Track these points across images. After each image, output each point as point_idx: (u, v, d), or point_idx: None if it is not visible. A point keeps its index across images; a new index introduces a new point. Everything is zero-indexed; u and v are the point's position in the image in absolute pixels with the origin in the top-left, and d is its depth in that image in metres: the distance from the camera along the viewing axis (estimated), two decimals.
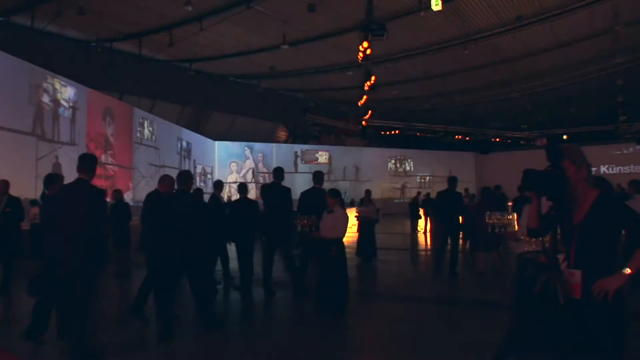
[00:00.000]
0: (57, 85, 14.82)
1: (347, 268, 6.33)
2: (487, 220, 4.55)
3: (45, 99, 14.21)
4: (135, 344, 5.00)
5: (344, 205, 6.40)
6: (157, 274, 5.47)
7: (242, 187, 7.97)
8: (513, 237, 4.25)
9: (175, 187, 5.70)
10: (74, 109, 15.61)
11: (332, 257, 6.02)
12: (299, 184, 27.87)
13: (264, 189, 7.84)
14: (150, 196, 5.83)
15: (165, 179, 5.86)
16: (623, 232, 2.57)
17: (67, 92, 15.28)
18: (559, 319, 2.58)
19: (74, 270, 4.22)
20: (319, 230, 6.17)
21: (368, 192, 12.00)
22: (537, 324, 3.90)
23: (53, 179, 5.37)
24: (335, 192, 6.33)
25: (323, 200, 6.59)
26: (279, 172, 7.54)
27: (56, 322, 4.88)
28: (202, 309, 5.42)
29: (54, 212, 4.55)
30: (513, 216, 4.36)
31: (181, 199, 5.54)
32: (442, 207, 9.31)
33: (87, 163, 4.47)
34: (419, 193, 20.88)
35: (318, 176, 7.48)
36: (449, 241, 8.86)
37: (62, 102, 15.07)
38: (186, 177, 5.66)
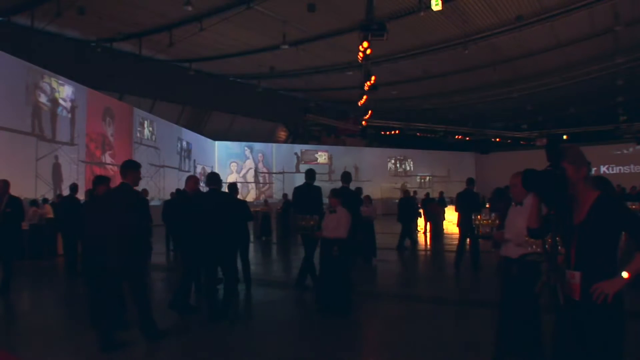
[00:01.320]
0: (55, 85, 14.82)
1: (349, 268, 6.31)
2: (473, 222, 4.54)
3: (43, 99, 14.21)
4: (137, 341, 5.00)
5: (358, 204, 6.43)
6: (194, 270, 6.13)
7: (232, 187, 8.10)
8: (500, 238, 4.24)
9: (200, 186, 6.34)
10: (72, 108, 15.62)
11: (334, 257, 6.01)
12: (299, 183, 27.84)
13: (297, 190, 8.09)
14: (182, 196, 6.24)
15: (191, 179, 6.37)
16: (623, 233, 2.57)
17: (64, 91, 15.28)
18: (558, 320, 2.58)
19: (122, 263, 4.70)
20: (321, 229, 6.17)
21: (367, 197, 12.18)
22: (527, 324, 3.94)
23: (102, 180, 5.73)
24: (337, 192, 6.33)
25: (352, 198, 7.39)
26: (311, 173, 7.88)
27: (90, 312, 5.20)
28: (227, 302, 5.78)
29: (97, 213, 5.10)
30: (496, 217, 4.33)
31: (215, 197, 5.96)
32: (461, 207, 9.55)
33: (128, 169, 4.93)
34: (415, 192, 20.83)
35: (346, 176, 7.98)
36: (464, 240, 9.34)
37: (60, 101, 15.07)
38: (217, 177, 6.11)
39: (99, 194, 5.59)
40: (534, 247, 3.93)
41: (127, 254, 4.68)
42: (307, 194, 7.69)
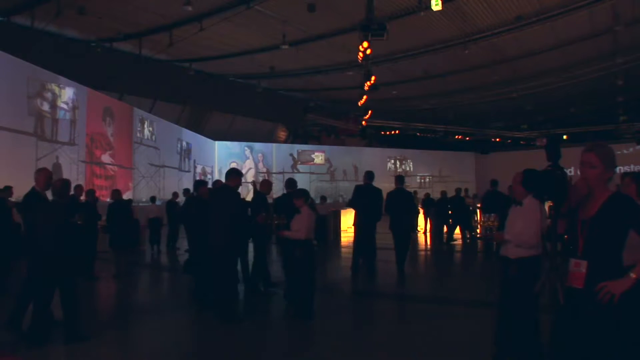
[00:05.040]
0: (56, 90, 14.82)
1: (314, 271, 6.02)
2: (473, 223, 4.53)
3: (45, 106, 14.24)
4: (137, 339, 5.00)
5: (314, 207, 6.33)
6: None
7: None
8: (499, 238, 4.24)
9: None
10: (73, 108, 15.62)
11: (297, 259, 5.81)
12: (298, 184, 27.86)
13: (358, 189, 8.81)
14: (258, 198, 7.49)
15: (268, 182, 7.80)
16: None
17: (66, 94, 15.27)
18: (558, 317, 2.58)
19: (222, 251, 5.77)
20: (289, 230, 5.92)
21: None
22: (525, 324, 3.96)
23: (203, 183, 6.91)
24: (300, 192, 6.08)
25: (407, 200, 8.73)
26: (371, 175, 8.67)
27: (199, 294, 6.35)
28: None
29: (207, 210, 6.26)
30: (495, 217, 4.33)
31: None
32: (488, 207, 9.76)
33: (231, 175, 6.22)
34: (415, 192, 20.80)
35: (400, 179, 9.01)
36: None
37: (62, 105, 15.07)
38: (294, 182, 7.36)
39: (201, 195, 6.81)
40: (531, 248, 3.96)
41: (229, 239, 5.80)
42: (367, 194, 8.41)
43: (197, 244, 6.51)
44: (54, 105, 14.61)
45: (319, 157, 30.51)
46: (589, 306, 2.43)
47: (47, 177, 5.32)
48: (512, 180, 4.14)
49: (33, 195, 5.32)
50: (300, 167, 29.63)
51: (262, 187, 7.62)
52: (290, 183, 7.26)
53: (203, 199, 6.70)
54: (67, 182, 5.38)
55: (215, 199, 6.26)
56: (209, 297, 6.07)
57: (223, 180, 6.69)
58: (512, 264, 4.05)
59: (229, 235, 5.77)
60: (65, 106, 15.19)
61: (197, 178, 24.38)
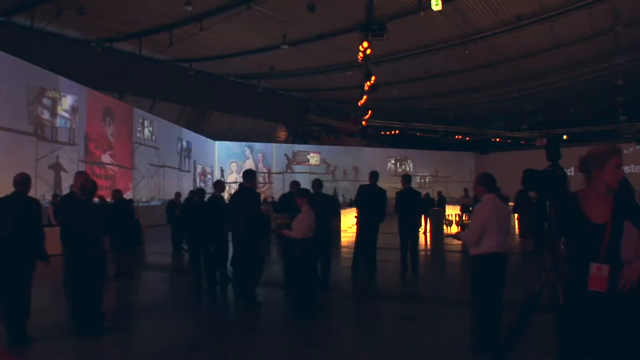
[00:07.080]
0: (57, 96, 14.81)
1: (314, 270, 6.08)
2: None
3: (45, 115, 14.25)
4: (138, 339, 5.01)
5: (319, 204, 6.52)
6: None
7: (218, 184, 9.01)
8: (458, 238, 4.39)
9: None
10: (73, 109, 15.63)
11: (296, 258, 5.89)
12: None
13: (362, 189, 8.88)
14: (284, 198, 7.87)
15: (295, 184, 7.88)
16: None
17: (66, 102, 15.27)
18: (578, 318, 2.57)
19: (245, 243, 6.37)
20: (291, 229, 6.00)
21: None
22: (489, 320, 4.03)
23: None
24: (303, 192, 6.14)
25: (417, 200, 9.05)
26: (375, 175, 8.67)
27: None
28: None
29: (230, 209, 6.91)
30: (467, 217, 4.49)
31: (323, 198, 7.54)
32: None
33: (249, 176, 6.65)
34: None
35: (407, 179, 9.23)
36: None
37: (62, 113, 15.08)
38: (319, 183, 7.60)
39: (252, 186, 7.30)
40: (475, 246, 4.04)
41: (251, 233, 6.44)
42: (371, 194, 8.44)
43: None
44: (54, 114, 14.63)
45: (314, 158, 30.52)
46: (617, 307, 2.42)
47: (81, 181, 5.65)
48: (473, 181, 4.25)
49: (71, 197, 5.79)
50: (298, 167, 29.64)
51: (292, 188, 7.60)
52: (317, 183, 7.52)
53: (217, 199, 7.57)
54: (95, 183, 5.66)
55: (239, 199, 6.73)
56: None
57: (223, 180, 6.86)
58: (473, 261, 4.16)
59: (252, 232, 6.39)
60: (65, 114, 15.20)
61: (198, 179, 24.45)
